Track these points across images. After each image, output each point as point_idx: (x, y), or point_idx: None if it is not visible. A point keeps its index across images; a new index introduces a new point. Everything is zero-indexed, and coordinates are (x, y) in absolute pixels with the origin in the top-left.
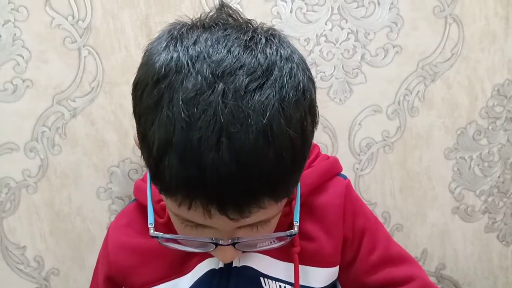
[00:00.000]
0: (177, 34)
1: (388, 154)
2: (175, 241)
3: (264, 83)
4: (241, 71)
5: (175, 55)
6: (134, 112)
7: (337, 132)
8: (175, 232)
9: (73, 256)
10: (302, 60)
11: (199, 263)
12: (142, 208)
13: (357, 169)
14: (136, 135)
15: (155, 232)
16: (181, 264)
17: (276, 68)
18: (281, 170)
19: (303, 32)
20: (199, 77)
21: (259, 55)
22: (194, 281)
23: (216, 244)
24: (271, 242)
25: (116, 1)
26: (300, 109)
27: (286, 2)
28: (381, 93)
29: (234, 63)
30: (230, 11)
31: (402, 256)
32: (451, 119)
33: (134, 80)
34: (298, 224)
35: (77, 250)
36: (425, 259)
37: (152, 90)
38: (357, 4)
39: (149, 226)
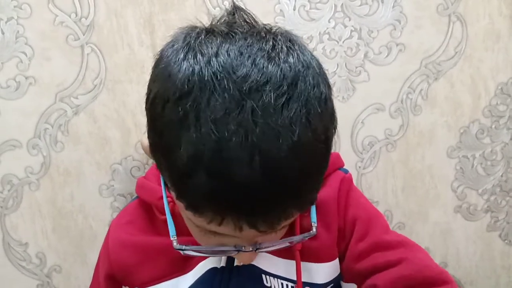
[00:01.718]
0: (194, 43)
1: (390, 153)
2: (196, 252)
3: (290, 97)
4: (268, 86)
5: (196, 68)
6: (153, 125)
7: (340, 130)
8: (181, 231)
9: (75, 253)
10: (320, 65)
11: (201, 261)
12: (145, 206)
13: (359, 167)
14: (145, 143)
15: (179, 245)
16: (182, 262)
17: (300, 79)
18: (309, 181)
19: (306, 30)
20: (226, 95)
21: (283, 65)
22: (195, 280)
23: (239, 251)
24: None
25: None
26: (324, 120)
27: (289, 0)
28: (384, 91)
29: (260, 77)
30: (245, 16)
31: (398, 241)
32: (454, 118)
33: (151, 91)
34: (316, 225)
35: (79, 247)
36: None
37: (175, 107)
38: (361, 2)
39: (172, 238)
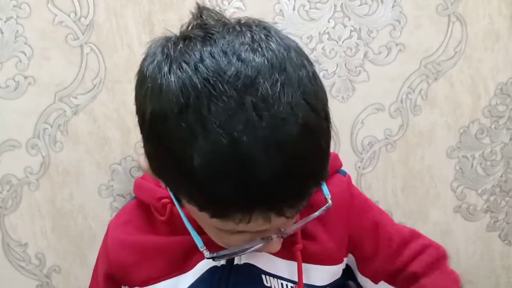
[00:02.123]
0: (175, 53)
1: (390, 153)
2: (228, 255)
3: (283, 83)
4: (260, 78)
5: (186, 79)
6: (154, 145)
7: (339, 130)
8: (180, 230)
9: (75, 253)
10: (297, 44)
11: (201, 260)
12: (143, 206)
13: (359, 167)
14: (145, 164)
15: (211, 254)
16: (182, 261)
17: (286, 63)
18: (321, 158)
19: (306, 30)
20: (224, 97)
21: (267, 54)
22: (195, 279)
23: (267, 241)
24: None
25: None
26: (319, 97)
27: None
28: (383, 91)
29: (250, 71)
30: (212, 14)
31: (411, 233)
32: (453, 118)
33: (144, 112)
34: (330, 196)
35: (78, 248)
36: None
37: (178, 123)
38: (360, 1)
39: (201, 249)
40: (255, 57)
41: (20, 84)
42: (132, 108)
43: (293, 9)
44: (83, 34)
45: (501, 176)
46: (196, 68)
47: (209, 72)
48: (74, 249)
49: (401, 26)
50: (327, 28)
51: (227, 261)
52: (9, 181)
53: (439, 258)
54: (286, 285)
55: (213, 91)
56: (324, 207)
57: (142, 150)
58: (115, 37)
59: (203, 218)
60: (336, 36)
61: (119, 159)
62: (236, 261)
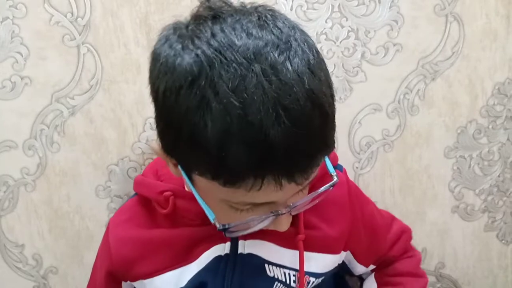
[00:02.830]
0: (187, 32)
1: (388, 153)
2: (239, 228)
3: (289, 54)
4: (267, 48)
5: (199, 51)
6: (168, 120)
7: (337, 130)
8: (182, 223)
9: (72, 254)
10: (299, 26)
11: (205, 251)
12: (144, 202)
13: (356, 167)
14: (157, 146)
15: (222, 225)
16: (186, 253)
17: (292, 38)
18: (328, 124)
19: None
20: (234, 65)
21: (274, 30)
22: (200, 268)
23: (276, 215)
24: (313, 200)
25: None
26: (322, 67)
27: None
28: (381, 91)
29: (258, 43)
30: (219, 1)
31: (390, 218)
32: (451, 118)
33: (158, 88)
34: (335, 174)
35: (75, 248)
36: (424, 258)
37: (190, 91)
38: (358, 2)
39: (213, 221)
40: (262, 32)
41: (17, 84)
42: (129, 108)
43: (291, 10)
44: (79, 35)
45: (498, 176)
46: (208, 42)
47: (220, 44)
48: (71, 250)
49: (399, 26)
50: (324, 28)
51: (231, 250)
52: (6, 182)
53: (409, 240)
54: (289, 274)
55: (224, 60)
56: (331, 183)
57: (154, 137)
58: (112, 37)
59: (213, 192)
60: (334, 37)
61: (116, 160)
62: (240, 250)
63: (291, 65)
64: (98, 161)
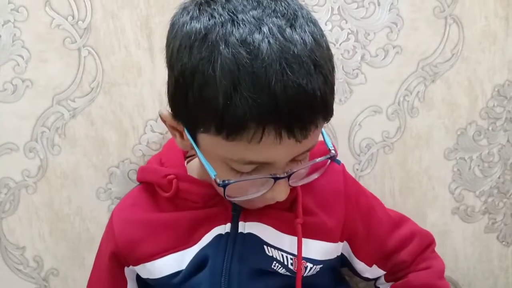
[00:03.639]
0: (204, 0)
1: (388, 155)
2: (238, 191)
3: (295, 24)
4: (276, 14)
5: (214, 13)
6: (181, 74)
7: (337, 132)
8: (185, 206)
9: (73, 256)
10: (305, 7)
11: (206, 234)
12: (149, 189)
13: (357, 169)
14: (165, 112)
15: (222, 180)
16: (187, 235)
17: (299, 13)
18: (328, 88)
19: None
20: (245, 22)
21: (283, 3)
22: (201, 247)
23: (275, 179)
24: (312, 172)
25: (116, 2)
26: (324, 40)
27: None
28: (381, 93)
29: (268, 11)
30: None
31: (399, 217)
32: (451, 120)
33: (172, 48)
34: (333, 149)
35: (76, 251)
36: None
37: (202, 44)
38: (357, 4)
39: (214, 177)
40: (272, 4)
41: (18, 87)
42: (130, 110)
43: None
44: (80, 37)
45: (498, 177)
46: (222, 6)
47: (233, 7)
48: (72, 252)
49: (398, 28)
50: (324, 31)
51: (232, 229)
52: (7, 184)
53: (427, 246)
54: (286, 257)
55: (235, 19)
56: (327, 155)
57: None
58: (113, 40)
59: (216, 151)
60: (334, 39)
61: (117, 162)
62: (240, 229)
63: (296, 30)
64: (99, 163)
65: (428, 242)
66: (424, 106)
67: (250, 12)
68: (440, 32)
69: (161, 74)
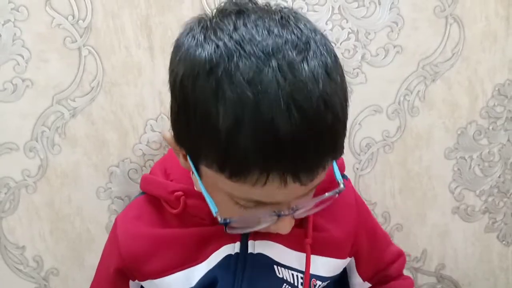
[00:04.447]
0: (211, 24)
1: (388, 154)
2: (240, 224)
3: (307, 55)
4: (286, 46)
5: (220, 43)
6: (184, 105)
7: None
8: (192, 223)
9: (73, 256)
10: (321, 31)
11: (215, 251)
12: (153, 201)
13: (357, 169)
14: (169, 135)
15: (223, 218)
16: (195, 252)
17: (311, 40)
18: (338, 128)
19: None
20: (252, 58)
21: (295, 31)
22: (211, 267)
23: (279, 216)
24: (317, 206)
25: (116, 1)
26: (339, 72)
27: (286, 1)
28: (381, 93)
29: (278, 40)
30: None
31: (388, 237)
32: (451, 119)
33: (176, 74)
34: (342, 181)
35: (76, 250)
36: (425, 259)
37: (207, 79)
38: (358, 4)
39: (215, 215)
40: (283, 31)
41: (18, 87)
42: (130, 110)
43: None
44: (81, 37)
45: (499, 177)
46: (229, 35)
47: (241, 37)
48: (72, 252)
49: (399, 28)
50: (324, 30)
51: (241, 249)
52: (7, 184)
53: (404, 266)
54: (296, 276)
55: (242, 52)
56: (336, 190)
57: (167, 128)
58: (113, 39)
59: (219, 186)
60: (334, 38)
61: (117, 162)
62: (250, 250)
63: (308, 65)
64: (99, 163)
65: (405, 260)
66: (424, 105)
67: (259, 44)
68: (440, 31)
69: (161, 74)
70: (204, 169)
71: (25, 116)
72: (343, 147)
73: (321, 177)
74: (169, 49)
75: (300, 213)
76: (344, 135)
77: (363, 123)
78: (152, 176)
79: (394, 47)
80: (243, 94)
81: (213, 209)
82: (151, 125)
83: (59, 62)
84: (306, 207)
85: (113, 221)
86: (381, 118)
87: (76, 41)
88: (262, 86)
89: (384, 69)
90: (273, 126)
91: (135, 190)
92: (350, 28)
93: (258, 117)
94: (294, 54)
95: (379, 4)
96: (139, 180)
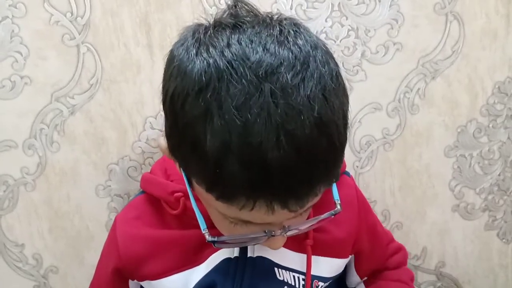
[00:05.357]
0: (204, 37)
1: (388, 152)
2: (229, 242)
3: (304, 77)
4: (282, 68)
5: (211, 61)
6: (174, 123)
7: None
8: (192, 224)
9: (72, 254)
10: (326, 45)
11: (213, 253)
12: (152, 201)
13: (357, 166)
14: (164, 144)
15: (211, 237)
16: (194, 254)
17: (311, 58)
18: (333, 155)
19: None
20: (243, 81)
21: (293, 48)
22: (209, 270)
23: (269, 236)
24: (312, 225)
25: None
26: (339, 96)
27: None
28: (381, 90)
29: (273, 61)
30: (246, 7)
31: (389, 234)
32: (451, 117)
33: (167, 90)
34: (339, 202)
35: (75, 248)
36: (424, 257)
37: (196, 101)
38: (358, 1)
39: (203, 232)
40: (280, 49)
41: (16, 84)
42: (129, 108)
43: (291, 8)
44: (79, 34)
45: (499, 174)
46: (222, 52)
47: (233, 56)
48: (71, 250)
49: (399, 25)
50: (324, 27)
51: (241, 253)
52: (6, 182)
53: (405, 260)
54: (298, 278)
55: (234, 74)
56: (332, 211)
57: (163, 132)
58: (112, 37)
59: (209, 201)
60: (334, 35)
61: (116, 159)
62: (249, 254)
63: (304, 89)
64: (98, 161)
65: (406, 255)
66: (424, 103)
67: (252, 66)
68: (440, 29)
69: (160, 71)
70: (195, 184)
71: (24, 113)
72: (338, 173)
73: (314, 201)
74: (168, 47)
75: (293, 233)
76: (341, 161)
77: (363, 120)
78: (153, 175)
79: (394, 44)
80: (231, 121)
81: (202, 226)
82: (150, 122)
83: (58, 59)
84: (300, 227)
85: (113, 219)
86: (381, 115)
87: (75, 38)
88: (251, 113)
89: (384, 66)
90: (260, 156)
91: (135, 188)
92: (349, 25)
93: (245, 145)
94: (289, 77)
95: (379, 1)
96: (138, 178)
